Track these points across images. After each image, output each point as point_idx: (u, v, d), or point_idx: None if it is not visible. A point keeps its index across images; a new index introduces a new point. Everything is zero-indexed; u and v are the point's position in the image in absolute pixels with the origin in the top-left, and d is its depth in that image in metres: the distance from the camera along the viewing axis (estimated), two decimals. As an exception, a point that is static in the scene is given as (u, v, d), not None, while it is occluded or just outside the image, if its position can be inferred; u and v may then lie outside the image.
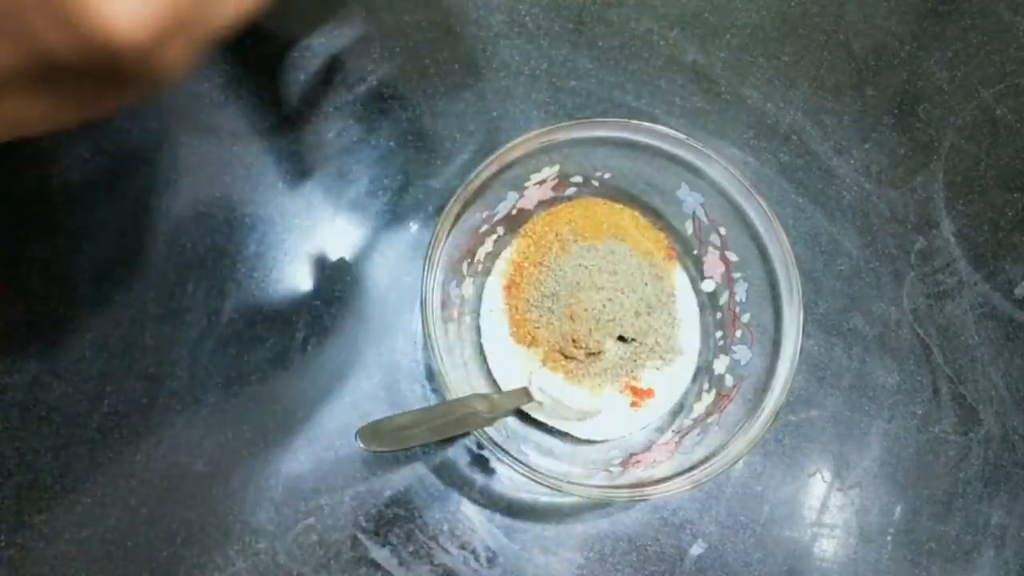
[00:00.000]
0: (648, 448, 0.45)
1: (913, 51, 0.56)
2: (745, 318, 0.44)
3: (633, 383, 0.46)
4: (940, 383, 0.49)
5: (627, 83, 0.53)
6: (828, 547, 0.46)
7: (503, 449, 0.38)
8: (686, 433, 0.43)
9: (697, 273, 0.48)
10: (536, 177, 0.45)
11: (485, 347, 0.46)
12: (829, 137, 0.53)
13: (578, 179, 0.47)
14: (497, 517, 0.44)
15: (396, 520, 0.44)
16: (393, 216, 0.49)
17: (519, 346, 0.46)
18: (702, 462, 0.39)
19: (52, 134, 0.38)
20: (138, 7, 0.19)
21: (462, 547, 0.44)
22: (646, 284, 0.46)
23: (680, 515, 0.45)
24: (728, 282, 0.46)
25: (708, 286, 0.47)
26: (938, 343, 0.50)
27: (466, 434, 0.45)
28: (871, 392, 0.48)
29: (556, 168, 0.45)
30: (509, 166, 0.42)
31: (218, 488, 0.44)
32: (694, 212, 0.46)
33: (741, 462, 0.45)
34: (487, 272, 0.47)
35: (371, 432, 0.35)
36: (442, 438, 0.41)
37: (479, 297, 0.47)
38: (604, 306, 0.44)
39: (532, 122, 0.51)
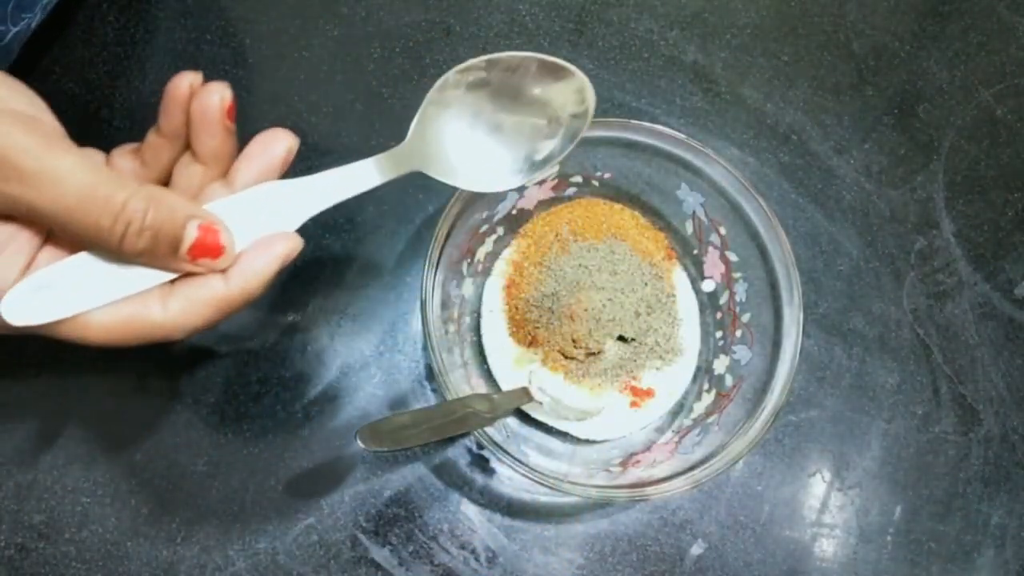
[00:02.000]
0: (648, 448, 0.44)
1: (913, 51, 0.56)
2: (745, 318, 0.44)
3: (633, 383, 0.46)
4: (940, 383, 0.49)
5: (627, 83, 0.53)
6: (828, 547, 0.46)
7: (503, 449, 0.38)
8: (686, 433, 0.43)
9: (697, 273, 0.48)
10: (536, 177, 0.45)
11: (485, 347, 0.46)
12: (829, 137, 0.53)
13: (578, 179, 0.47)
14: (497, 517, 0.44)
15: (396, 520, 0.44)
16: (393, 217, 0.49)
17: (519, 346, 0.46)
18: (702, 462, 0.39)
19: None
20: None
21: (462, 547, 0.44)
22: (646, 284, 0.46)
23: (680, 515, 0.45)
24: (728, 282, 0.46)
25: (708, 286, 0.47)
26: (938, 343, 0.50)
27: (466, 434, 0.45)
28: (871, 392, 0.48)
29: (556, 168, 0.45)
30: (509, 166, 0.42)
31: (218, 488, 0.43)
32: (694, 212, 0.46)
33: (741, 462, 0.45)
34: (487, 272, 0.47)
35: (371, 432, 0.35)
36: (442, 438, 0.41)
37: (479, 297, 0.47)
38: (604, 306, 0.44)
39: (532, 122, 0.51)
